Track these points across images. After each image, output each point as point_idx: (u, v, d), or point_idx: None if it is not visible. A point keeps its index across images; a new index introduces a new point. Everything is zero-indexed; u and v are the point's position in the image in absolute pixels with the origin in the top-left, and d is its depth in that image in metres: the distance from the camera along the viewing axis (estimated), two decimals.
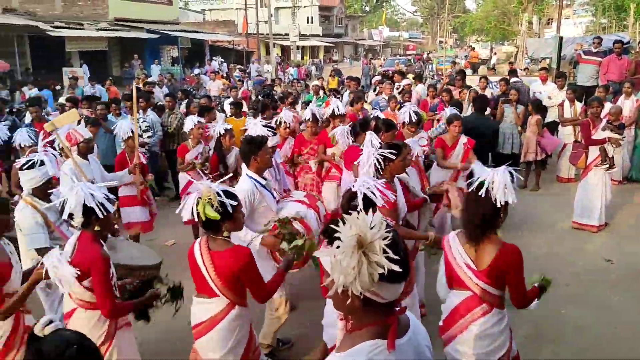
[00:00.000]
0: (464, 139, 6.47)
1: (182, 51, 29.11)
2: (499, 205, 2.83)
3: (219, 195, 3.01)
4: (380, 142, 4.57)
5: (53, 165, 4.20)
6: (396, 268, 1.55)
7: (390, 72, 17.36)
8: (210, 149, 7.07)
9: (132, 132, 6.17)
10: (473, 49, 34.94)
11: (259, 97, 13.04)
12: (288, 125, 6.84)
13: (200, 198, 2.99)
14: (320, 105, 10.47)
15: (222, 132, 6.56)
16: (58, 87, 18.65)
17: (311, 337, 4.59)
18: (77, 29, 23.07)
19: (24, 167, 3.96)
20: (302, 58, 46.66)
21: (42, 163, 3.99)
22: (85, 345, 1.72)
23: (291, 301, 5.15)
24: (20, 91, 15.67)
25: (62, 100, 10.90)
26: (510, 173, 2.88)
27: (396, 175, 4.08)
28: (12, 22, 20.05)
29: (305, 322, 4.88)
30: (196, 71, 24.15)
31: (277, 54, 40.69)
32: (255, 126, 5.08)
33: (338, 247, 1.58)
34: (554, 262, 6.16)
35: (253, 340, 3.33)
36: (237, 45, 36.41)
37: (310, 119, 6.79)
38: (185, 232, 6.85)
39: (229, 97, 13.09)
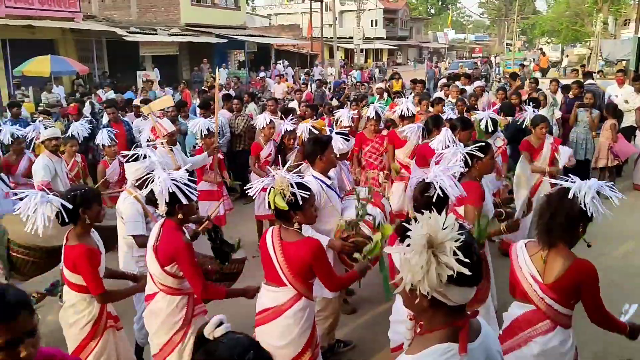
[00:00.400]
0: (549, 138, 6.32)
1: (248, 55, 29.79)
2: (584, 209, 2.65)
3: (292, 186, 3.07)
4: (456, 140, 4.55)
5: (157, 159, 4.37)
6: (465, 271, 1.53)
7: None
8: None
9: (209, 130, 6.48)
10: (543, 53, 33.68)
11: (335, 99, 13.14)
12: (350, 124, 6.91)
13: (274, 187, 3.08)
14: (384, 108, 10.46)
15: (287, 130, 6.71)
16: (133, 90, 19.57)
17: (369, 339, 4.62)
18: (150, 34, 24.10)
19: (129, 160, 4.19)
20: (366, 61, 46.60)
21: (146, 157, 4.21)
22: (261, 352, 1.59)
23: (352, 303, 5.20)
24: (95, 94, 16.55)
25: (136, 102, 11.40)
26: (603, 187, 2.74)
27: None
28: (93, 27, 21.20)
29: (364, 323, 4.88)
30: (262, 74, 24.64)
31: (341, 57, 40.86)
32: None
33: (408, 245, 1.58)
34: (630, 275, 5.87)
35: (315, 335, 3.32)
36: (302, 49, 36.86)
37: (374, 117, 6.80)
38: (250, 230, 7.02)
39: (293, 100, 13.31)
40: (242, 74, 25.59)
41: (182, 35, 25.80)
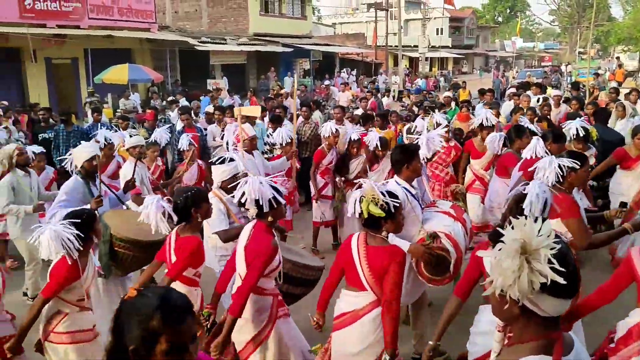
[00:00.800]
0: None
1: (313, 63, 30.19)
2: None
3: (382, 195, 3.14)
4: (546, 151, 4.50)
5: (241, 162, 4.60)
6: (560, 280, 1.49)
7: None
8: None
9: (291, 138, 6.75)
10: (620, 65, 32.06)
11: (417, 106, 13.07)
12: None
13: (364, 196, 3.14)
14: (452, 117, 10.35)
15: (353, 138, 6.80)
16: (202, 98, 20.28)
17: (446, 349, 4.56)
18: (220, 43, 24.91)
19: (216, 163, 4.43)
20: (430, 70, 46.12)
21: (232, 160, 4.43)
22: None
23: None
24: (167, 101, 17.24)
25: (209, 109, 11.82)
26: None
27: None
28: (167, 37, 22.16)
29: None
30: (326, 82, 24.91)
31: (405, 66, 40.64)
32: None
33: (500, 249, 1.57)
34: None
35: None
36: (366, 57, 36.96)
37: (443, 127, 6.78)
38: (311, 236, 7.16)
39: (357, 108, 13.39)
40: (307, 82, 25.97)
41: (250, 44, 26.52)
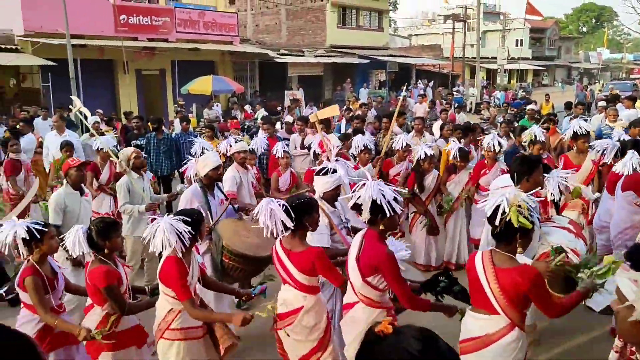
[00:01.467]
0: None
1: (389, 75, 30.16)
2: None
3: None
4: None
5: (346, 172, 4.62)
6: None
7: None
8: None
9: (365, 147, 6.76)
10: None
11: (505, 117, 12.81)
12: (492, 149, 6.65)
13: (510, 204, 2.91)
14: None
15: (424, 155, 6.62)
16: (279, 108, 20.79)
17: None
18: (298, 55, 25.44)
19: (319, 173, 4.38)
20: (509, 82, 44.80)
21: (335, 171, 4.35)
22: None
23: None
24: (242, 110, 17.78)
25: (288, 119, 12.11)
26: None
27: None
28: (248, 50, 22.92)
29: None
30: (402, 94, 24.78)
31: (483, 77, 39.73)
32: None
33: None
34: None
35: None
36: (442, 69, 36.50)
37: (539, 140, 6.57)
38: None
39: (436, 119, 13.23)
40: (383, 93, 25.97)
41: (327, 56, 26.90)
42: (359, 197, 3.26)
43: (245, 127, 13.83)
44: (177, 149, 9.66)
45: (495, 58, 38.27)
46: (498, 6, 56.25)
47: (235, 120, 11.47)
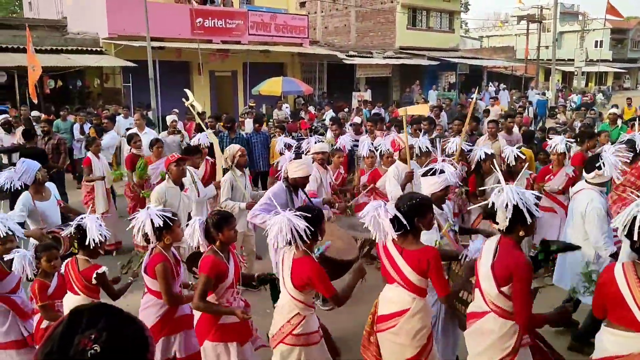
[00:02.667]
0: None
1: (459, 77, 29.62)
2: None
3: None
4: None
5: (453, 174, 4.36)
6: None
7: None
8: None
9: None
10: None
11: (583, 121, 12.37)
12: None
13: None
14: (617, 137, 9.57)
15: (483, 156, 6.52)
16: (346, 110, 20.86)
17: None
18: (367, 57, 25.46)
19: (426, 174, 4.29)
20: (587, 85, 42.82)
21: (442, 171, 4.22)
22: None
23: None
24: (307, 111, 17.93)
25: (357, 120, 12.18)
26: None
27: None
28: (317, 52, 23.18)
29: None
30: (473, 96, 24.28)
31: (558, 80, 38.21)
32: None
33: None
34: None
35: None
36: (515, 71, 35.41)
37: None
38: None
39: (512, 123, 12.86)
40: (452, 95, 25.52)
41: (395, 57, 26.77)
42: (494, 203, 3.05)
43: (313, 127, 14.01)
44: (249, 148, 9.93)
45: (572, 60, 36.72)
46: (576, 6, 53.96)
47: (304, 121, 11.65)
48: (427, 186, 4.20)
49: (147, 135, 9.81)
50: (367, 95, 22.90)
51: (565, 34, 47.75)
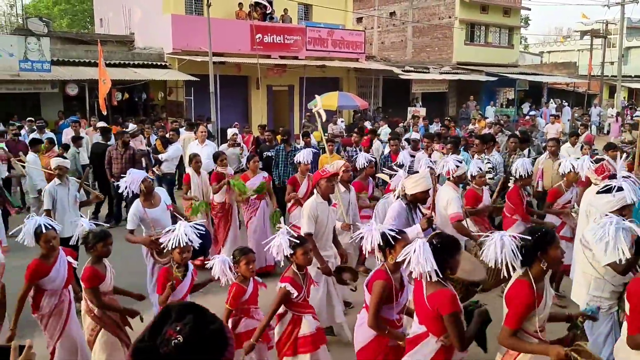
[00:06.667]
0: None
1: (517, 93, 29.01)
2: None
3: None
4: None
5: (634, 191, 3.95)
6: None
7: None
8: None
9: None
10: None
11: None
12: None
13: None
14: None
15: (566, 171, 6.36)
16: (401, 125, 20.79)
17: None
18: (423, 72, 25.35)
19: (600, 191, 4.01)
20: None
21: (620, 189, 3.91)
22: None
23: None
24: (363, 126, 17.94)
25: (414, 136, 12.13)
26: None
27: None
28: (373, 67, 23.28)
29: None
30: (532, 113, 23.69)
31: (624, 97, 36.72)
32: None
33: None
34: None
35: None
36: (577, 88, 34.31)
37: None
38: None
39: (566, 142, 12.52)
40: (510, 112, 25.01)
41: (452, 73, 26.52)
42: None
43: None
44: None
45: (639, 77, 35.24)
46: None
47: (367, 138, 11.74)
48: (601, 205, 3.83)
49: (208, 147, 10.14)
50: (423, 110, 22.77)
51: (631, 49, 45.88)
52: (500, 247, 3.06)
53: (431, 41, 29.68)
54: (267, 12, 21.00)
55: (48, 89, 16.01)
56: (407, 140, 12.23)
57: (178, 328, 1.46)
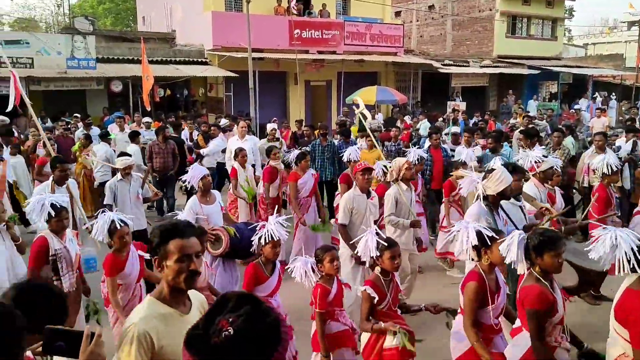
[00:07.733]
0: None
1: (561, 86, 28.24)
2: None
3: None
4: None
5: None
6: None
7: None
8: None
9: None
10: None
11: None
12: None
13: None
14: None
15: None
16: (440, 119, 20.54)
17: None
18: (463, 66, 24.96)
19: None
20: None
21: None
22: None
23: None
24: (403, 120, 17.78)
25: (455, 129, 11.96)
26: None
27: None
28: (412, 61, 23.07)
29: None
30: (576, 107, 23.04)
31: None
32: None
33: None
34: None
35: None
36: (624, 80, 33.16)
37: None
38: None
39: (617, 135, 12.15)
40: (554, 106, 24.36)
41: (493, 66, 26.02)
42: None
43: (412, 138, 13.96)
44: (339, 156, 10.08)
45: None
46: None
47: (407, 133, 11.68)
48: None
49: (248, 142, 10.25)
50: (463, 105, 22.43)
51: None
52: (617, 244, 2.91)
53: (471, 34, 29.15)
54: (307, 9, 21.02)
55: (94, 86, 16.52)
56: (447, 134, 12.08)
57: (231, 319, 1.43)
